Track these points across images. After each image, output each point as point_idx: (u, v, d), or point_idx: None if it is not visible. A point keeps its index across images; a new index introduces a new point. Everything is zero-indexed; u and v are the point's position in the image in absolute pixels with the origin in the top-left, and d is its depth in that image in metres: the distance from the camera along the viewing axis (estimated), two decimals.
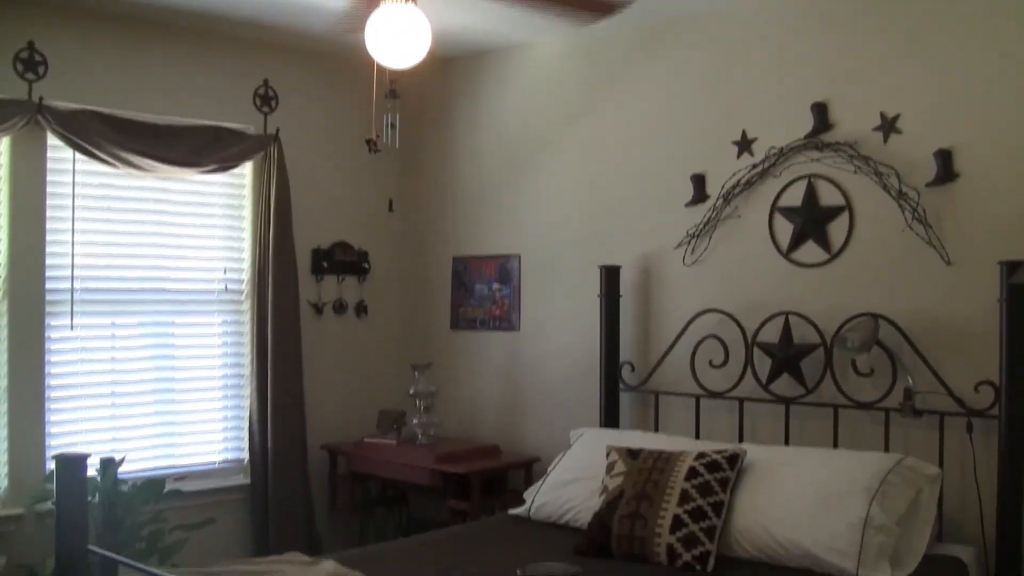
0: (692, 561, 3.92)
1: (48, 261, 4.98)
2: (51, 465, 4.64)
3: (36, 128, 4.85)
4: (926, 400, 4.32)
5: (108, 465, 4.69)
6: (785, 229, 4.81)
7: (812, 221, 4.70)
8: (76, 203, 5.06)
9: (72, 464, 3.40)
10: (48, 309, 4.99)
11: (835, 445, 4.55)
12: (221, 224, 5.70)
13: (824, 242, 4.68)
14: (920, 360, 4.33)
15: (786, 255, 4.80)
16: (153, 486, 4.88)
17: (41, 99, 4.85)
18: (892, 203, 4.42)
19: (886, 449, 4.39)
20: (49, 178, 4.99)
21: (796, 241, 4.77)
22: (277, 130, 5.70)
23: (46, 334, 4.99)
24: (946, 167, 4.30)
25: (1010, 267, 4.00)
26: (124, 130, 5.10)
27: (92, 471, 3.81)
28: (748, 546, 4.02)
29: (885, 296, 4.47)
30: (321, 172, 6.05)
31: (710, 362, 4.96)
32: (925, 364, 4.32)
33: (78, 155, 4.99)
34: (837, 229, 4.65)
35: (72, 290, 5.05)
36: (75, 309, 5.07)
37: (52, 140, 4.95)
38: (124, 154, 5.04)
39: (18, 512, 4.84)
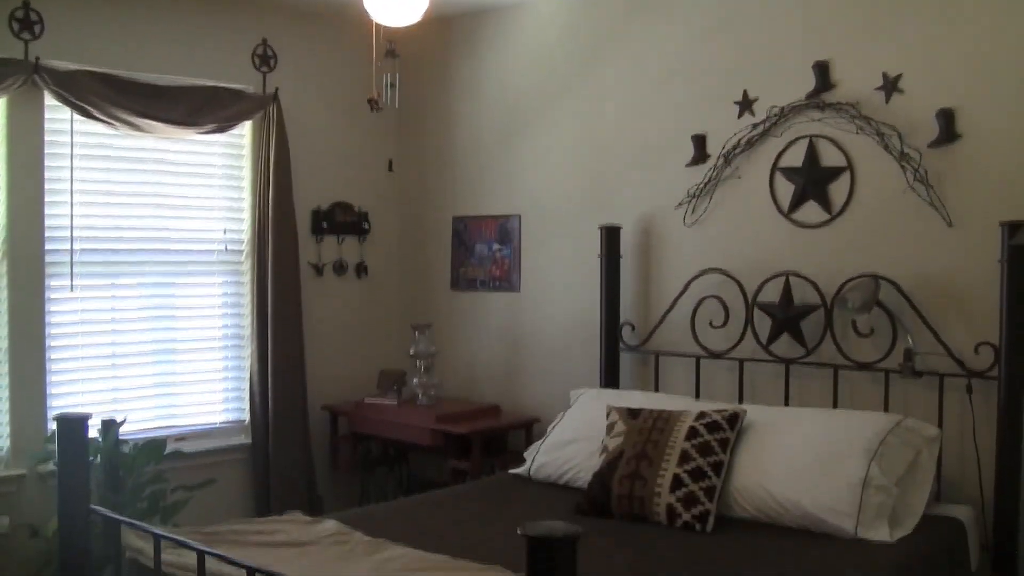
0: (692, 521, 3.94)
1: (47, 222, 4.97)
2: (52, 426, 4.65)
3: (33, 88, 4.83)
4: (926, 361, 4.32)
5: (109, 426, 4.70)
6: (786, 189, 4.80)
7: (813, 181, 4.69)
8: (75, 164, 5.05)
9: (73, 425, 3.40)
10: (48, 270, 4.99)
11: (835, 406, 4.56)
12: (220, 185, 5.69)
13: (825, 202, 4.66)
14: (920, 321, 4.33)
15: (787, 215, 4.79)
16: (154, 446, 4.89)
17: (38, 59, 4.82)
18: (894, 163, 4.41)
19: (885, 410, 4.40)
20: (47, 138, 4.97)
21: (797, 201, 4.75)
22: (276, 90, 5.67)
23: (46, 295, 4.99)
24: (948, 128, 4.28)
25: (1011, 228, 3.99)
26: (122, 90, 5.07)
27: (93, 432, 3.81)
28: (747, 506, 4.04)
29: (886, 257, 4.46)
30: (321, 132, 6.02)
31: (710, 322, 4.96)
32: (925, 325, 4.32)
33: (76, 115, 4.97)
34: (838, 189, 4.63)
35: (71, 251, 5.04)
36: (75, 270, 5.06)
37: (49, 100, 4.92)
38: (122, 114, 5.02)
39: (20, 473, 4.87)
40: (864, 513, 3.78)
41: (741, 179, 4.94)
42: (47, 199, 4.97)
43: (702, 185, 5.04)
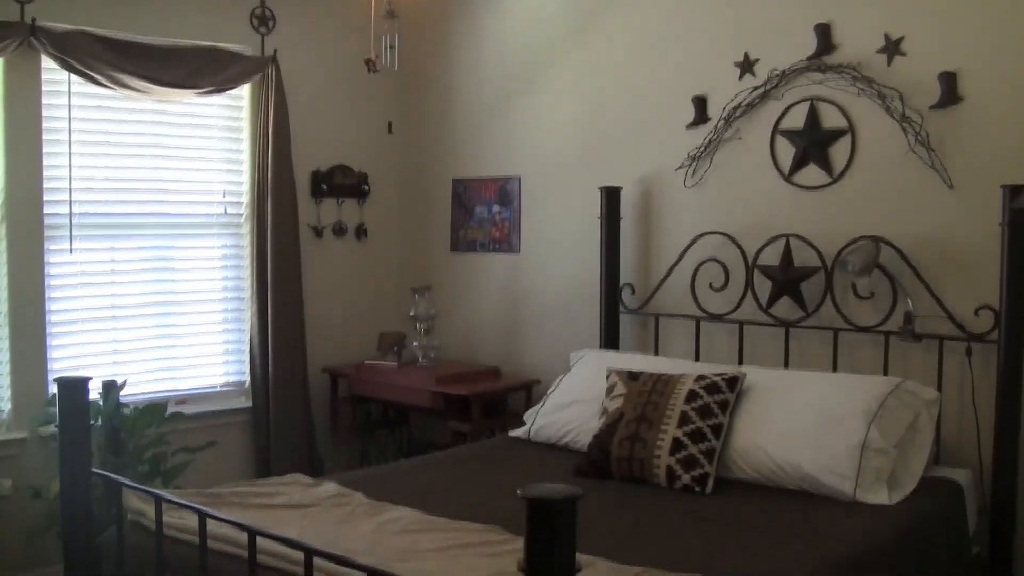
0: (691, 483, 3.95)
1: (46, 185, 4.95)
2: (53, 389, 4.65)
3: (30, 50, 4.79)
4: (926, 324, 4.32)
5: (110, 389, 4.70)
6: (787, 151, 4.78)
7: (814, 144, 4.67)
8: (73, 126, 5.02)
9: (74, 387, 3.41)
10: (47, 233, 4.97)
11: (834, 368, 4.57)
12: (219, 147, 5.67)
13: (826, 165, 4.65)
14: (920, 284, 4.33)
15: (787, 178, 4.78)
16: (155, 409, 4.90)
17: (34, 20, 4.77)
18: (895, 126, 4.39)
19: (885, 373, 4.41)
20: (44, 101, 4.94)
21: (798, 164, 4.74)
22: (275, 51, 5.64)
23: (45, 258, 4.98)
24: (950, 90, 4.25)
25: (1012, 191, 3.98)
26: (120, 51, 5.04)
27: (94, 395, 3.81)
28: (747, 468, 4.05)
29: (886, 219, 4.45)
30: (320, 94, 6.00)
31: (710, 285, 4.96)
32: (925, 288, 4.31)
33: (73, 77, 4.94)
34: (839, 152, 4.62)
35: (71, 214, 5.03)
36: (74, 233, 5.05)
37: (47, 62, 4.89)
38: (120, 76, 4.99)
39: (22, 436, 4.88)
40: (863, 475, 3.80)
41: (742, 141, 4.92)
42: (45, 162, 4.94)
43: (702, 147, 5.02)
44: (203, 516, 3.00)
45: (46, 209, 4.96)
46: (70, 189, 5.02)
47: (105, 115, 5.18)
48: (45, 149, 4.94)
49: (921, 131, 4.30)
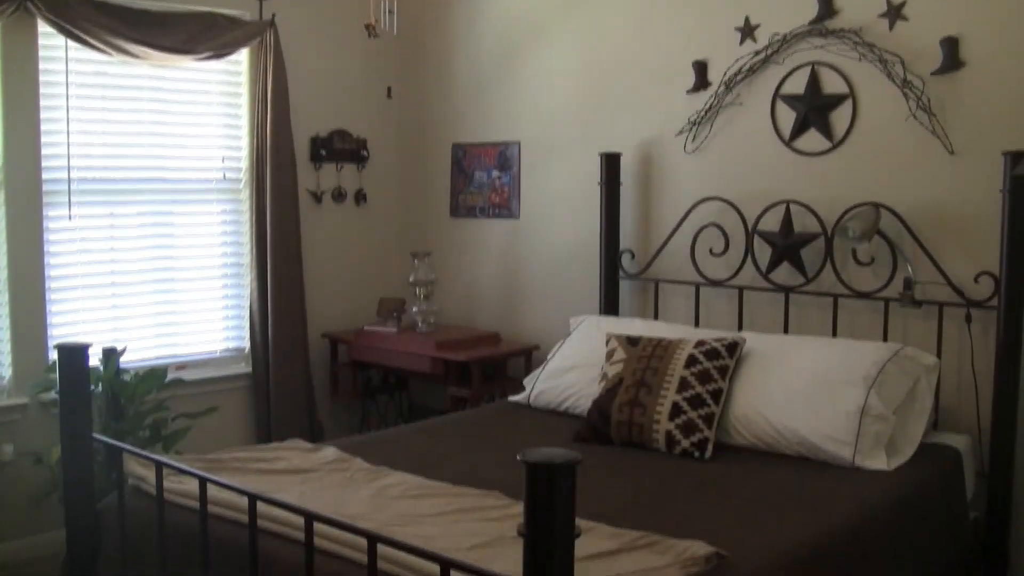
0: (690, 448, 3.97)
1: (44, 151, 4.93)
2: (53, 355, 4.66)
3: (26, 15, 4.75)
4: (926, 290, 4.32)
5: (110, 355, 4.71)
6: (787, 117, 4.76)
7: (815, 109, 4.65)
8: (70, 92, 4.99)
9: (74, 354, 3.41)
10: (45, 199, 4.96)
11: (834, 334, 4.57)
12: (218, 112, 5.65)
13: (826, 130, 4.63)
14: (921, 250, 4.33)
15: (788, 143, 4.76)
16: (155, 375, 4.91)
17: None
18: (896, 91, 4.37)
19: (885, 339, 4.41)
20: (41, 66, 4.91)
21: (798, 129, 4.72)
22: (273, 16, 5.60)
23: (44, 224, 4.96)
24: (952, 55, 4.23)
25: (1014, 158, 3.96)
26: (117, 16, 5.01)
27: (94, 361, 3.82)
28: (746, 433, 4.06)
29: (887, 185, 4.44)
30: (319, 59, 5.96)
31: (710, 250, 4.95)
32: (926, 254, 4.31)
33: (70, 43, 4.90)
34: (840, 117, 4.60)
35: (69, 180, 5.01)
36: (73, 199, 5.04)
37: (43, 27, 4.85)
38: (117, 41, 4.95)
39: (23, 401, 4.90)
40: (862, 441, 3.81)
41: (742, 106, 4.91)
42: (43, 128, 4.92)
43: (703, 112, 5.01)
44: (203, 481, 3.02)
45: (44, 175, 4.94)
46: (68, 155, 5.00)
47: (103, 80, 5.16)
48: (43, 115, 4.92)
49: (922, 97, 4.29)
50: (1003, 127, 4.13)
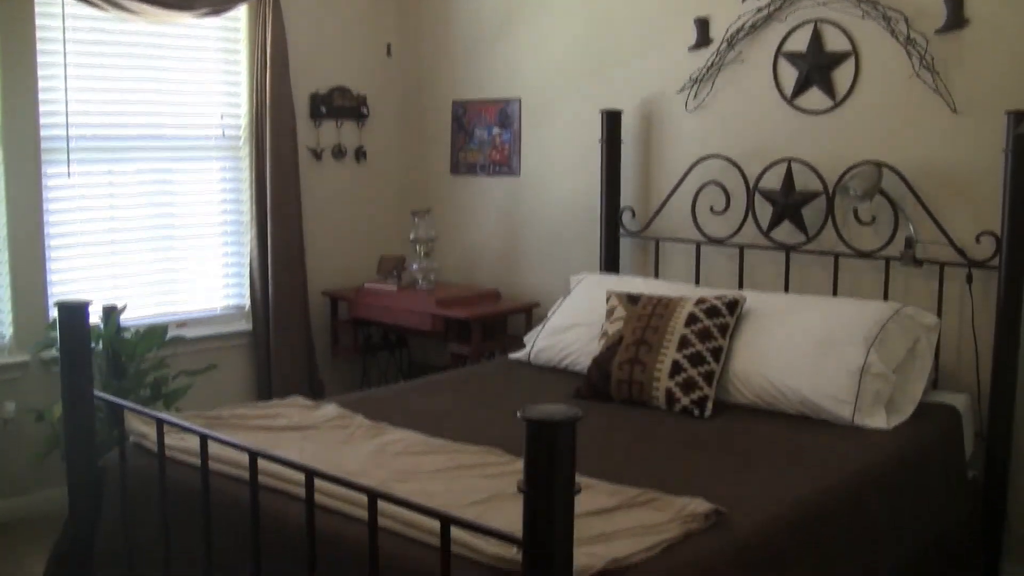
0: (690, 406, 3.97)
1: (42, 108, 4.90)
2: (54, 313, 4.66)
3: None
4: (927, 250, 4.31)
5: (110, 312, 4.71)
6: (790, 75, 4.74)
7: (817, 67, 4.63)
8: (67, 48, 4.96)
9: (74, 311, 3.41)
10: (44, 157, 4.94)
11: (834, 293, 4.57)
12: (217, 69, 5.61)
13: (829, 89, 4.61)
14: (922, 209, 4.32)
15: (790, 101, 4.74)
16: (155, 333, 4.91)
17: None
18: (899, 49, 4.34)
19: (885, 298, 4.41)
20: (38, 23, 4.87)
21: (800, 87, 4.70)
22: None
23: (43, 183, 4.95)
24: (956, 13, 4.20)
25: (1017, 117, 3.94)
26: None
27: (94, 319, 3.82)
28: (746, 392, 4.07)
29: (889, 144, 4.43)
30: (318, 15, 5.92)
31: (711, 208, 4.95)
32: (927, 213, 4.30)
33: None
34: (842, 75, 4.57)
35: (67, 138, 4.99)
36: (71, 157, 5.02)
37: None
38: None
39: (24, 359, 4.90)
40: (862, 400, 3.82)
41: (744, 64, 4.88)
42: (41, 85, 4.89)
43: (704, 70, 4.98)
44: (204, 438, 3.02)
45: (43, 133, 4.92)
46: (66, 112, 4.97)
47: (100, 37, 5.12)
48: (40, 72, 4.88)
49: (926, 55, 4.26)
50: (1006, 86, 4.11)
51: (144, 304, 5.36)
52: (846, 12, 4.51)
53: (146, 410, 3.42)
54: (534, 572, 2.12)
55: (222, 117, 5.63)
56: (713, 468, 3.40)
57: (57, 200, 5.03)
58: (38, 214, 4.94)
